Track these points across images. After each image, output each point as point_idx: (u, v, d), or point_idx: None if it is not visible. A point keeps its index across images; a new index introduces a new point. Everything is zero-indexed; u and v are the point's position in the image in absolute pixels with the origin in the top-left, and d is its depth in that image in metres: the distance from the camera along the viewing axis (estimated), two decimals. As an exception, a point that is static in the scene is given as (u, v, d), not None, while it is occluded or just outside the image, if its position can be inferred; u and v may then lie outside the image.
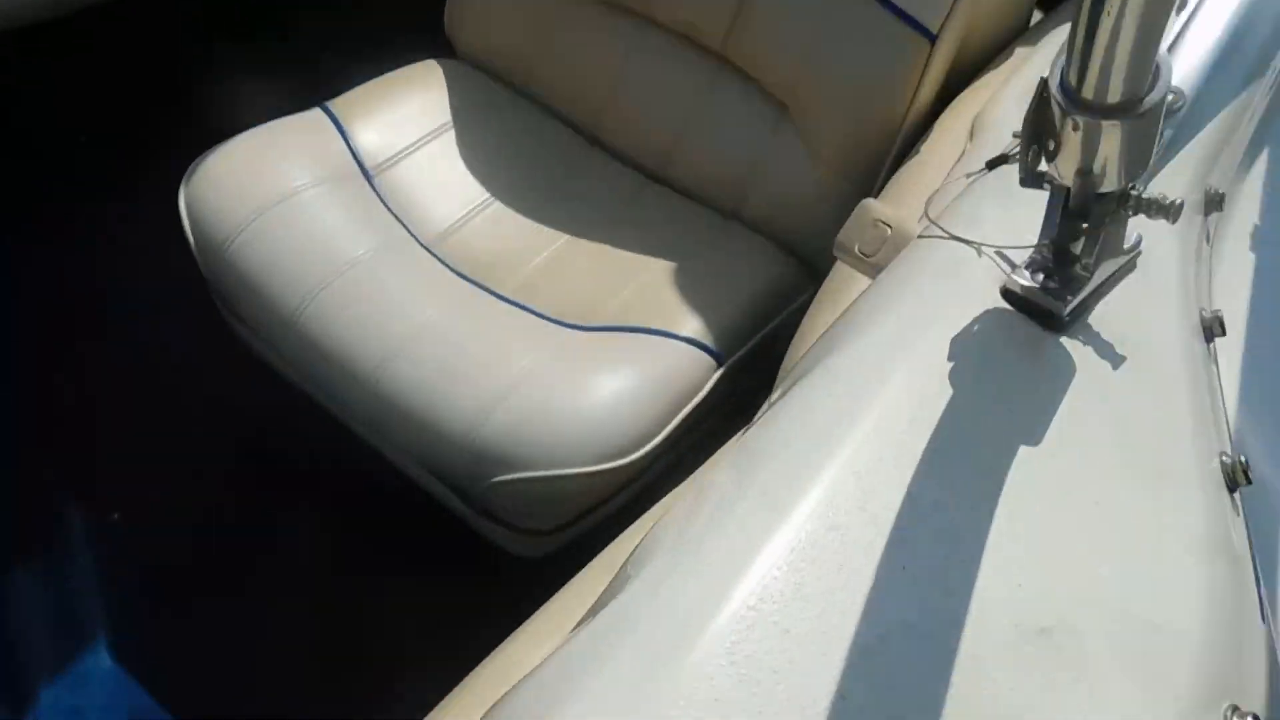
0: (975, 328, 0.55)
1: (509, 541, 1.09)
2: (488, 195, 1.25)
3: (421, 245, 1.17)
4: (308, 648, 1.22)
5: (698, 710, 0.42)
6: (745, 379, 1.12)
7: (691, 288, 1.15)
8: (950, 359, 0.53)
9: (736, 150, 1.22)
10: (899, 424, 0.51)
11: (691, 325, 1.11)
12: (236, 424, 1.38)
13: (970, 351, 0.54)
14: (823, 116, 1.16)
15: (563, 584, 0.73)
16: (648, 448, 1.03)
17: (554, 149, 1.31)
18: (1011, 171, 0.62)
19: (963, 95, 1.11)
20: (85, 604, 1.28)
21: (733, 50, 1.20)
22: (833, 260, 0.91)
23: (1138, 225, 0.58)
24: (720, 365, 1.10)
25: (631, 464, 1.02)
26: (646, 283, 1.17)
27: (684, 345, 1.09)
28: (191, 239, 1.16)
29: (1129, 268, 0.59)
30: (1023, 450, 0.51)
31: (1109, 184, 0.52)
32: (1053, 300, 0.55)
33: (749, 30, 1.17)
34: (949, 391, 0.52)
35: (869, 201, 0.76)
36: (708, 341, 1.10)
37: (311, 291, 1.09)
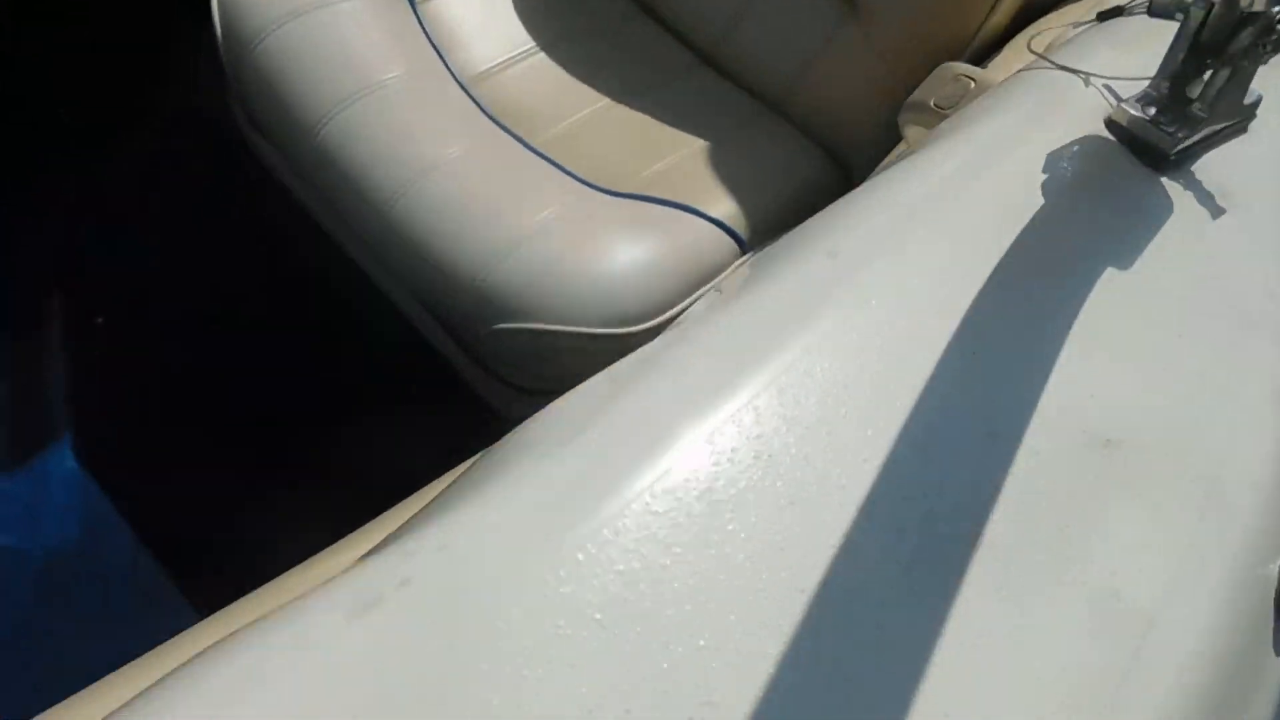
0: (1075, 148, 0.51)
1: (500, 398, 1.05)
2: (533, 44, 1.20)
3: (457, 81, 1.12)
4: (276, 466, 1.17)
5: (733, 440, 0.38)
6: (767, 272, 1.08)
7: (726, 172, 1.11)
8: (1044, 171, 0.50)
9: (794, 43, 1.17)
10: (984, 222, 0.47)
11: (721, 208, 1.07)
12: (239, 246, 1.33)
13: (1066, 168, 0.50)
14: (890, 21, 1.12)
15: None
16: (655, 320, 0.99)
17: (608, 12, 1.26)
18: (1123, 24, 0.58)
19: (1038, 22, 1.07)
20: (56, 403, 1.23)
21: (807, -62, 1.15)
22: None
23: (1259, 86, 0.54)
24: (743, 253, 1.06)
25: (636, 334, 0.98)
26: (681, 159, 1.12)
27: (710, 225, 1.05)
28: (219, 31, 1.10)
29: (1240, 129, 0.55)
30: (1110, 271, 0.47)
31: (1260, 3, 0.48)
32: (1162, 135, 0.51)
33: (826, -82, 1.12)
34: (1039, 201, 0.48)
35: (950, 63, 0.72)
36: (735, 227, 1.06)
37: (336, 106, 1.04)
